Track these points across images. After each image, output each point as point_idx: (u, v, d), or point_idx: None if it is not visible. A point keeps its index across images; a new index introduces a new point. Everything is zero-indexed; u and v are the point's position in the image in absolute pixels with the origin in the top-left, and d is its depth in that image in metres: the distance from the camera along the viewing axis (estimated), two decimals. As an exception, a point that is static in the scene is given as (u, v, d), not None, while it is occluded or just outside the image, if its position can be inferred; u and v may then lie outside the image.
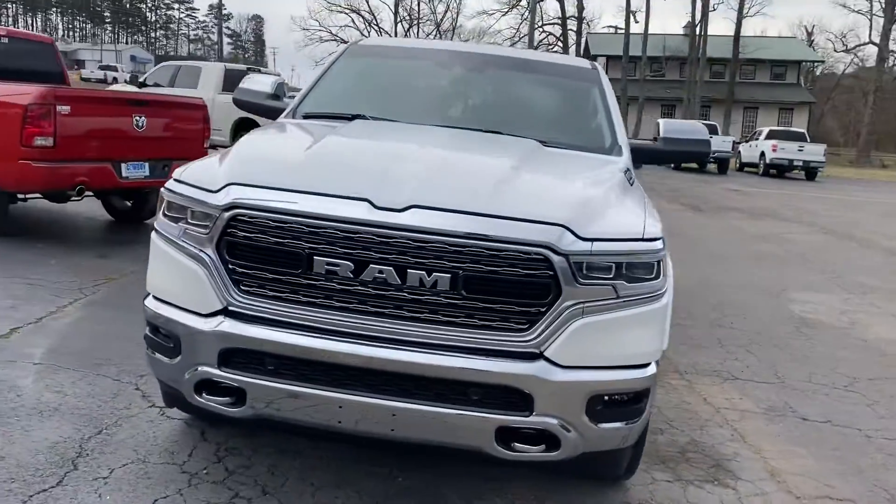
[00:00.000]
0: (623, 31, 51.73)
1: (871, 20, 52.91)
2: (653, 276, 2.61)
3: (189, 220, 2.68)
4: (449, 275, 2.42)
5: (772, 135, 29.24)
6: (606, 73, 4.26)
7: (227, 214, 2.54)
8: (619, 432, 2.64)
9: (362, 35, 57.56)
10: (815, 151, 28.05)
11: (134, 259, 6.44)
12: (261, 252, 2.53)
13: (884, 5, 48.06)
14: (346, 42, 49.12)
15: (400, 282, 2.44)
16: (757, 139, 29.94)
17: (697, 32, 49.76)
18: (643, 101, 48.57)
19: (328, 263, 2.47)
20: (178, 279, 2.71)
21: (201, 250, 2.61)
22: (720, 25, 70.63)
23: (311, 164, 2.79)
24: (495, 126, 3.71)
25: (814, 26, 70.79)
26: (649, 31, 49.84)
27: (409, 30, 58.13)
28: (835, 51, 62.35)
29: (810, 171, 28.06)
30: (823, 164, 28.08)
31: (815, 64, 61.74)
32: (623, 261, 2.54)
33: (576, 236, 2.47)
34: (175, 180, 2.81)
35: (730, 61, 52.10)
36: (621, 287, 2.53)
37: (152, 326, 2.81)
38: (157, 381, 3.75)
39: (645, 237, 2.62)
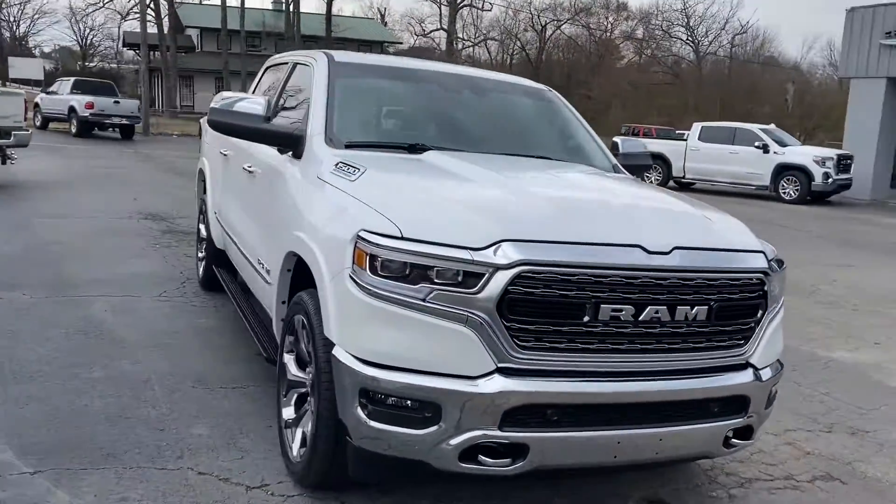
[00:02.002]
0: (211, 4, 50.50)
1: (440, 8, 59.65)
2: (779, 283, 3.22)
3: (436, 281, 2.51)
4: (706, 307, 2.73)
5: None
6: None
7: (510, 272, 2.47)
8: (770, 414, 3.23)
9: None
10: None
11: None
12: (543, 306, 2.53)
13: (448, -5, 54.73)
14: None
15: (670, 318, 2.67)
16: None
17: (292, 10, 50.74)
18: (245, 75, 48.23)
19: (613, 309, 2.58)
20: (428, 344, 2.53)
21: (471, 312, 2.49)
22: (309, 3, 72.87)
23: (556, 212, 2.78)
24: (534, 151, 3.93)
25: (385, 9, 76.63)
26: (246, 5, 49.34)
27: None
28: (414, 35, 68.77)
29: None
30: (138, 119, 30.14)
31: (391, 44, 67.46)
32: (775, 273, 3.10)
33: (767, 259, 2.96)
34: (394, 237, 2.55)
35: (323, 39, 54.39)
36: (779, 295, 3.10)
37: (377, 397, 2.57)
38: (201, 458, 3.26)
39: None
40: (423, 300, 2.52)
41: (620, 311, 2.60)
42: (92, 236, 8.17)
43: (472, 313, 2.49)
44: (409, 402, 2.56)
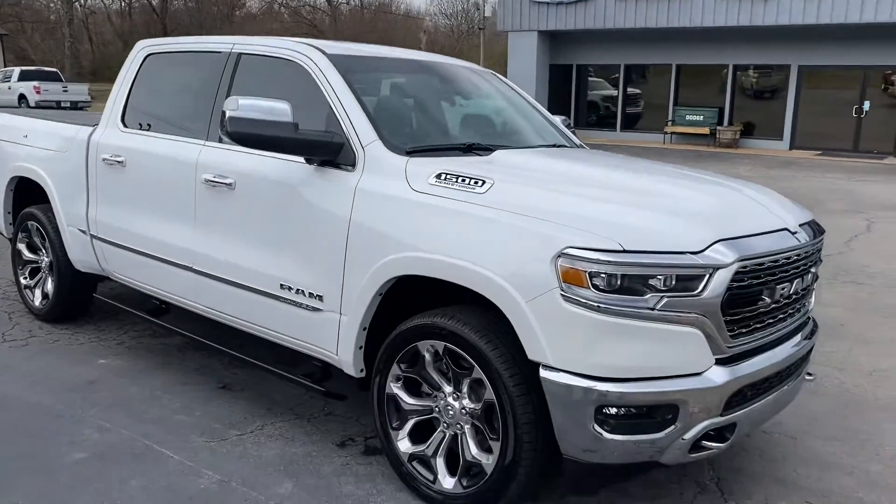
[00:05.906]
0: None
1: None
2: None
3: (662, 288, 2.58)
4: (811, 273, 3.18)
5: (27, 75, 27.44)
6: None
7: (730, 270, 2.64)
8: None
9: None
10: (79, 91, 27.90)
11: None
12: (747, 296, 2.76)
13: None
14: None
15: (801, 286, 3.07)
16: (9, 80, 27.63)
17: None
18: None
19: (781, 288, 2.91)
20: (659, 349, 2.62)
21: (698, 312, 2.62)
22: None
23: (722, 208, 2.97)
24: (546, 139, 3.99)
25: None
26: None
27: None
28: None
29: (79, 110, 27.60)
30: (89, 102, 28.03)
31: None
32: None
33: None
34: (615, 251, 2.54)
35: None
36: None
37: (615, 410, 2.61)
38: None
39: None
40: (653, 308, 2.57)
41: (783, 288, 2.93)
42: None
43: (700, 313, 2.62)
44: (647, 408, 2.62)
